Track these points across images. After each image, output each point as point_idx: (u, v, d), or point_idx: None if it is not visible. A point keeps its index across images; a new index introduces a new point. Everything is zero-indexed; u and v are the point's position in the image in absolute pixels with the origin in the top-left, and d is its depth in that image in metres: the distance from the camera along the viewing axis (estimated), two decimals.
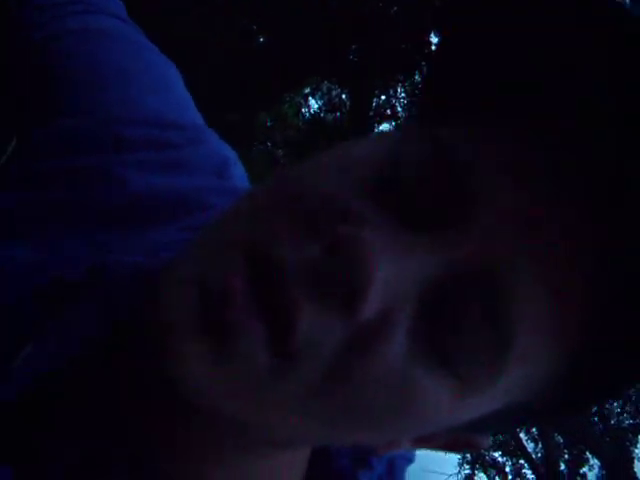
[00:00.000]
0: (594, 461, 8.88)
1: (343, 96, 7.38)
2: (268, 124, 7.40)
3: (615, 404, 8.57)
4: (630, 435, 8.92)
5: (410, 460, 0.56)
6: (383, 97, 7.22)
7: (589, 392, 0.41)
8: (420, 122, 0.44)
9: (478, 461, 10.30)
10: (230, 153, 0.61)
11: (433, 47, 6.05)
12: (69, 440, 0.45)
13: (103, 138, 0.55)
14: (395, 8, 5.64)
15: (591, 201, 0.37)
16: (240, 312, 0.34)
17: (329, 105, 7.42)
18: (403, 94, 7.16)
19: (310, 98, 7.74)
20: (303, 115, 7.77)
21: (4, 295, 0.47)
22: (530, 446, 9.56)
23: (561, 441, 9.21)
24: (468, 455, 10.26)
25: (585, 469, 9.14)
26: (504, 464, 10.10)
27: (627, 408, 9.02)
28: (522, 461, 9.76)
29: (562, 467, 9.23)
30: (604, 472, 8.71)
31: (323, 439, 0.43)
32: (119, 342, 0.45)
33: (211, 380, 0.35)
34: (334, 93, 7.41)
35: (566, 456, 9.27)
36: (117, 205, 0.52)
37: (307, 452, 0.50)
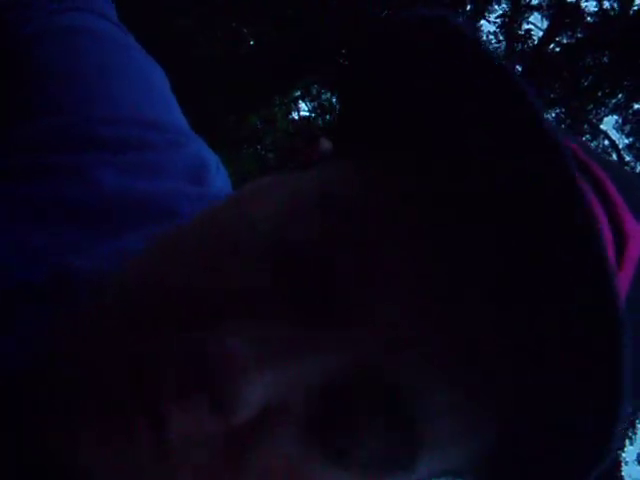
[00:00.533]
0: None
1: (333, 100, 7.37)
2: (258, 126, 7.39)
3: None
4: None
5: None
6: None
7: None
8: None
9: None
10: (211, 158, 0.60)
11: None
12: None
13: (79, 136, 0.55)
14: (386, 11, 5.64)
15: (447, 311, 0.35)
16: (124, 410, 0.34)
17: (319, 108, 7.40)
18: None
19: (300, 101, 7.73)
20: (293, 119, 7.76)
21: None
22: None
23: None
24: None
25: None
26: None
27: None
28: None
29: None
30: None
31: None
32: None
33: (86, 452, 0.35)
34: (324, 97, 7.40)
35: None
36: (88, 205, 0.52)
37: None
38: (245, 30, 7.16)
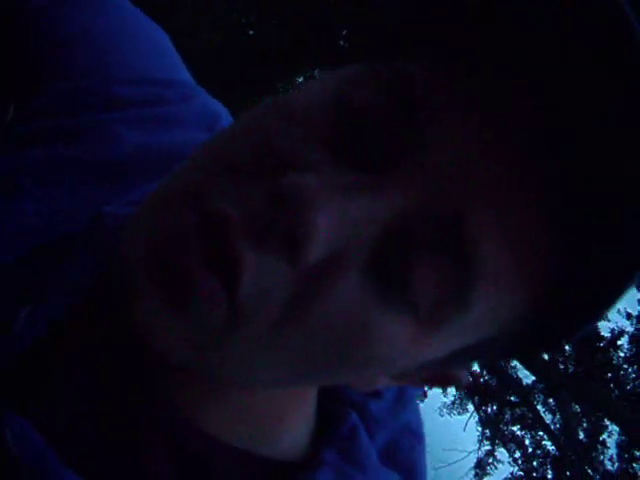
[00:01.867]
0: (613, 427, 8.89)
1: None
2: None
3: (630, 369, 8.58)
4: None
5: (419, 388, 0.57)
6: None
7: (557, 323, 0.41)
8: (371, 59, 0.42)
9: (497, 436, 10.32)
10: (221, 109, 0.62)
11: None
12: (76, 383, 0.46)
13: (96, 98, 0.57)
14: None
15: (543, 135, 0.36)
16: (190, 266, 0.35)
17: None
18: None
19: None
20: None
21: (4, 254, 0.48)
22: (548, 417, 9.59)
23: (578, 410, 9.23)
24: (487, 431, 10.30)
25: (604, 436, 9.16)
26: (523, 437, 10.13)
27: None
28: (541, 433, 9.79)
29: (581, 436, 9.25)
30: (624, 437, 8.73)
31: (295, 383, 0.43)
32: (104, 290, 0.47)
33: (172, 335, 0.37)
34: None
35: (585, 424, 9.29)
36: (113, 161, 0.54)
37: (312, 390, 0.51)
38: (244, 20, 7.16)
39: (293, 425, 0.50)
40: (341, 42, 6.49)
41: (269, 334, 0.36)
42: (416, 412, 0.57)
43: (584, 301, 0.38)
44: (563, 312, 0.39)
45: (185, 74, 0.66)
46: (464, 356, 0.42)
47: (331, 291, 0.35)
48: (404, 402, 0.55)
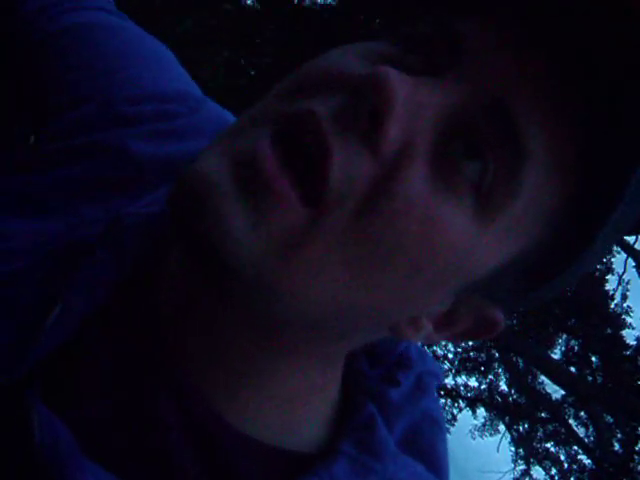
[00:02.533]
0: None
1: None
2: None
3: None
4: None
5: (437, 376, 0.59)
6: None
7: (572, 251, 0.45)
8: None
9: (531, 455, 10.18)
10: (230, 116, 0.65)
11: None
12: (102, 379, 0.49)
13: (107, 117, 0.60)
14: (377, 20, 5.70)
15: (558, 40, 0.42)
16: (271, 168, 0.38)
17: None
18: None
19: None
20: None
21: (33, 262, 0.51)
22: (581, 431, 9.46)
23: (611, 421, 9.11)
24: (521, 450, 10.16)
25: None
26: (558, 454, 9.98)
27: None
28: (576, 448, 9.64)
29: (617, 447, 9.11)
30: None
31: (352, 306, 0.44)
32: (142, 277, 0.50)
33: (251, 239, 0.39)
34: None
35: (619, 435, 9.15)
36: (128, 173, 0.57)
37: (338, 374, 0.53)
38: (243, 61, 7.24)
39: (312, 416, 0.52)
40: None
41: (348, 227, 0.39)
42: (435, 401, 0.59)
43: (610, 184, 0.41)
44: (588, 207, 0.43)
45: (191, 86, 0.69)
46: (499, 281, 0.45)
47: (404, 181, 0.40)
48: (423, 389, 0.56)
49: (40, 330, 0.47)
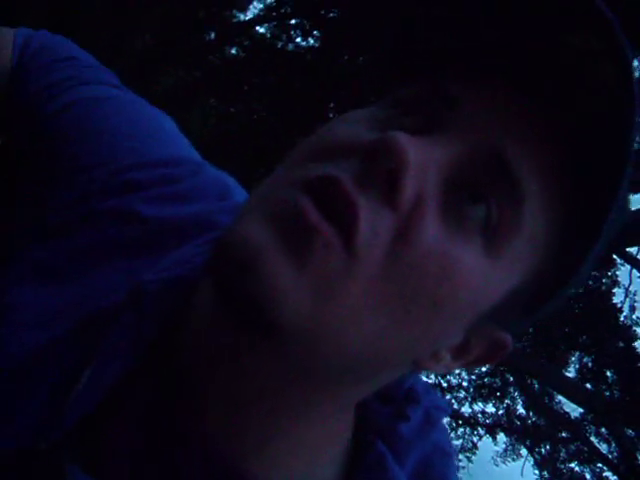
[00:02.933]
0: None
1: None
2: None
3: None
4: None
5: (445, 410, 0.61)
6: None
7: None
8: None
9: (556, 476, 10.05)
10: (228, 178, 0.69)
11: None
12: (131, 442, 0.51)
13: (115, 185, 0.63)
14: (361, 58, 5.78)
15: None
16: (317, 219, 0.42)
17: None
18: None
19: None
20: None
21: (57, 331, 0.54)
22: (604, 448, 9.36)
23: (633, 435, 9.01)
24: (545, 473, 10.04)
25: None
26: (583, 472, 9.86)
27: None
28: (600, 465, 9.53)
29: None
30: None
31: (381, 344, 0.47)
32: (167, 337, 0.52)
33: (297, 284, 0.42)
34: None
35: None
36: (139, 236, 0.60)
37: (352, 417, 0.56)
38: (233, 109, 7.33)
39: (329, 459, 0.54)
40: (330, 115, 6.63)
41: (378, 273, 0.44)
42: (445, 433, 0.61)
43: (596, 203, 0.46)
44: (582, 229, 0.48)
45: (191, 151, 0.73)
46: (506, 308, 0.49)
47: (420, 229, 0.44)
48: (432, 423, 0.59)
49: (71, 397, 0.50)
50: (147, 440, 0.51)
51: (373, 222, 0.43)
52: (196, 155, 0.73)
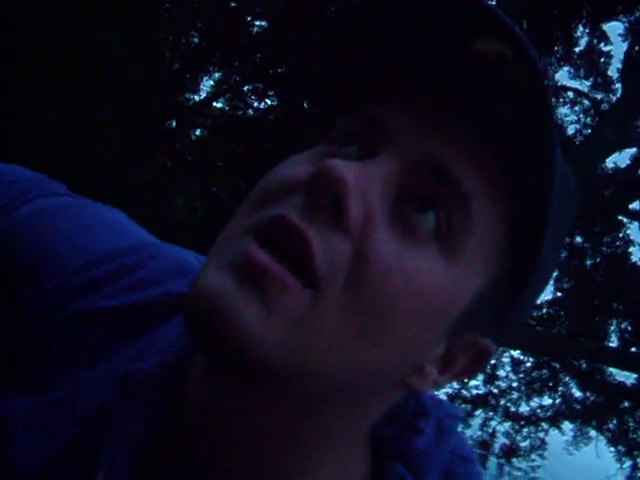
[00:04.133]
0: None
1: None
2: None
3: None
4: None
5: (456, 418, 0.62)
6: None
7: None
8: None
9: (633, 447, 9.86)
10: (188, 254, 0.70)
11: None
12: None
13: (76, 286, 0.64)
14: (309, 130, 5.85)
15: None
16: (267, 263, 0.44)
17: None
18: None
19: None
20: None
21: (64, 434, 0.57)
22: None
23: None
24: (620, 447, 9.85)
25: None
26: None
27: None
28: None
29: None
30: None
31: (362, 367, 0.48)
32: (175, 414, 0.55)
33: (269, 328, 0.44)
34: None
35: None
36: (108, 335, 0.62)
37: (366, 449, 0.57)
38: (214, 189, 7.40)
39: None
40: None
41: (344, 299, 0.45)
42: (461, 439, 0.62)
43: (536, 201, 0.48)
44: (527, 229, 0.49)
45: (144, 235, 0.74)
46: (478, 314, 0.51)
47: (373, 246, 0.46)
48: (447, 431, 0.60)
49: None
50: None
51: (327, 250, 0.45)
52: (152, 238, 0.74)
